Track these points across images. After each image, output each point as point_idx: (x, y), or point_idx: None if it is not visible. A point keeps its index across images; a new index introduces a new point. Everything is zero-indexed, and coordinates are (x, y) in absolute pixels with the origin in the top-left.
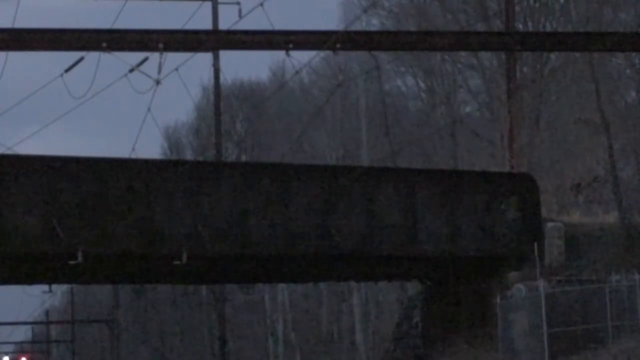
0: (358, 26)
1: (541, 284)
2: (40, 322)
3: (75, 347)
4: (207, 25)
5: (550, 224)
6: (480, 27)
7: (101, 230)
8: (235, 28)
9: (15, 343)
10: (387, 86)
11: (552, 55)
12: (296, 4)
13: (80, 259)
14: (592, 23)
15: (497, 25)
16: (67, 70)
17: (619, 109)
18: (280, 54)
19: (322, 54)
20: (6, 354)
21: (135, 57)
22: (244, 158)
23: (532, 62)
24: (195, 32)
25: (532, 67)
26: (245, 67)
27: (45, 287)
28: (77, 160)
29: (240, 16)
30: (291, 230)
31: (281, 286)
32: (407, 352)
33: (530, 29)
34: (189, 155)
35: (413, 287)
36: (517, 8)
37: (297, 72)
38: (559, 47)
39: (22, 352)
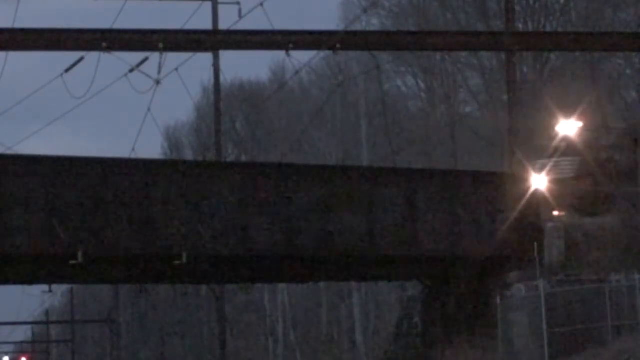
0: (358, 26)
1: (541, 284)
2: (40, 322)
3: (75, 347)
4: (207, 25)
5: (550, 224)
6: (480, 27)
7: (101, 230)
8: (235, 28)
9: (15, 343)
10: (387, 86)
11: (552, 55)
12: (296, 4)
13: (80, 259)
14: (592, 23)
15: (497, 25)
16: (67, 70)
17: (619, 109)
18: (280, 54)
19: (322, 54)
20: (6, 354)
21: (135, 57)
22: (244, 158)
23: (532, 62)
24: (195, 32)
25: (532, 67)
26: (245, 67)
27: (45, 287)
28: (77, 160)
29: (240, 16)
30: (291, 230)
31: (281, 286)
32: (407, 352)
33: (530, 29)
34: (189, 155)
35: (413, 287)
36: (517, 8)
37: (297, 72)
38: (559, 47)
39: (22, 352)
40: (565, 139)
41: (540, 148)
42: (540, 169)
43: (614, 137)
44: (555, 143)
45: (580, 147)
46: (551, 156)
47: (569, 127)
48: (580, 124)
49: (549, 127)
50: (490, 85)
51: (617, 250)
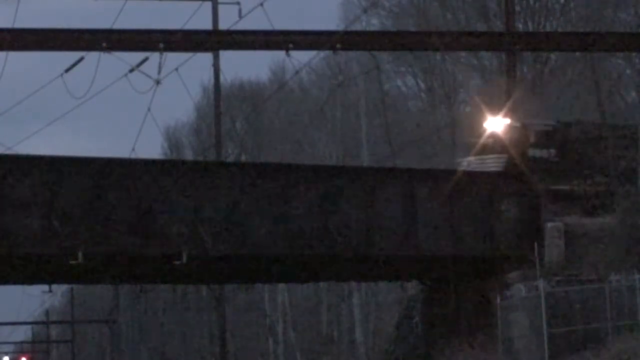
0: (358, 26)
1: (541, 284)
2: (40, 322)
3: (75, 347)
4: (207, 25)
5: (550, 224)
6: (480, 27)
7: (101, 230)
8: (235, 28)
9: (15, 343)
10: (387, 86)
11: (552, 55)
12: (296, 4)
13: (80, 259)
14: (592, 23)
15: (497, 25)
16: (67, 70)
17: (619, 109)
18: (280, 54)
19: (322, 54)
20: (6, 354)
21: (135, 57)
22: (244, 158)
23: (532, 62)
24: (195, 32)
25: (532, 67)
26: (245, 67)
27: (45, 287)
28: (77, 160)
29: (240, 16)
30: (291, 230)
31: (281, 286)
32: (407, 352)
33: (530, 29)
34: (189, 155)
35: (413, 287)
36: (517, 8)
37: (297, 72)
38: (559, 47)
39: (22, 352)
40: (492, 136)
41: (469, 145)
42: (466, 166)
43: (536, 135)
44: (482, 140)
45: (507, 144)
46: (478, 153)
47: (495, 124)
48: (507, 121)
49: (479, 124)
50: (490, 85)
51: (617, 250)
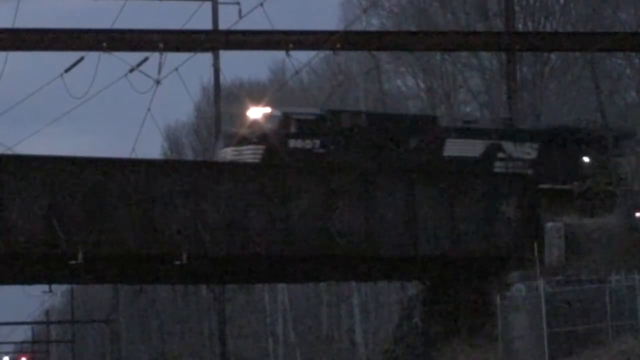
0: (358, 26)
1: (541, 284)
2: (40, 322)
3: (75, 347)
4: (207, 25)
5: (550, 224)
6: (480, 27)
7: (101, 230)
8: (235, 28)
9: (15, 343)
10: (387, 86)
11: (552, 55)
12: (296, 4)
13: (80, 259)
14: (592, 23)
15: (497, 25)
16: (67, 70)
17: (619, 109)
18: (280, 54)
19: (322, 54)
20: (6, 354)
21: (135, 57)
22: None
23: (532, 62)
24: (195, 32)
25: (532, 67)
26: (245, 67)
27: (45, 287)
28: (77, 160)
29: (240, 16)
30: (291, 230)
31: (281, 286)
32: (407, 352)
33: (530, 29)
34: (189, 155)
35: (413, 287)
36: (517, 8)
37: (297, 72)
38: (559, 47)
39: (22, 352)
40: (252, 126)
41: (231, 135)
42: (223, 157)
43: (297, 125)
44: (242, 130)
45: (267, 134)
46: (237, 144)
47: (257, 114)
48: (267, 110)
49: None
50: (490, 85)
51: (617, 250)
